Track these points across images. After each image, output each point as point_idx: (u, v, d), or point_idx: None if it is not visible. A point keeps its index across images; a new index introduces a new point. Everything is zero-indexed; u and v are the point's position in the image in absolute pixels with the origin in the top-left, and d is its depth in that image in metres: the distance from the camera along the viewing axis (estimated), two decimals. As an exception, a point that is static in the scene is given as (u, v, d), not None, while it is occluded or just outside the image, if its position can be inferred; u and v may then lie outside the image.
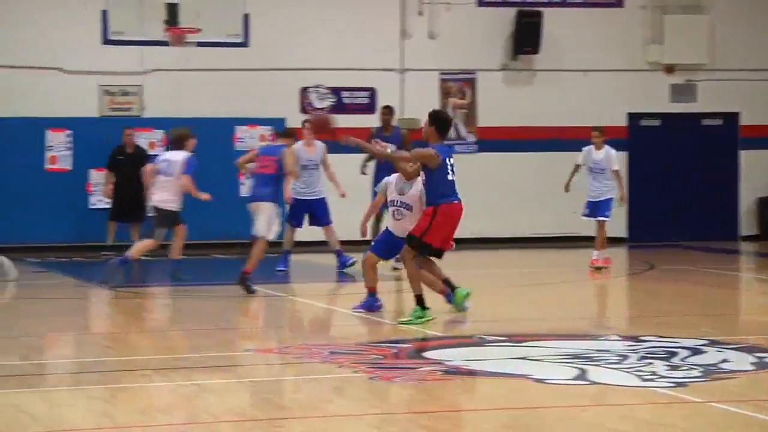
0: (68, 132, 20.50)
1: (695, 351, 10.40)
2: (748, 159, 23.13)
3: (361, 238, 13.87)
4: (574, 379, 9.27)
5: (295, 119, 19.94)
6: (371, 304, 12.95)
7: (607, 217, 17.58)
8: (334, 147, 17.41)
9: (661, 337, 11.16)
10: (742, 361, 9.98)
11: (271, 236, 14.78)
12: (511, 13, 22.12)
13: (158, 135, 20.83)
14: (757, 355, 10.21)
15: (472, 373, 9.72)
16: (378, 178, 17.40)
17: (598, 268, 17.41)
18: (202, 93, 20.99)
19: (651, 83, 22.80)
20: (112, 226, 19.93)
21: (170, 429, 7.93)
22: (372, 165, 18.02)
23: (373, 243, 13.30)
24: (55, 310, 14.10)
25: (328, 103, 21.60)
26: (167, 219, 15.80)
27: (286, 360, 10.43)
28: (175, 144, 16.16)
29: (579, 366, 9.73)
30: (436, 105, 22.09)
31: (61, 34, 20.44)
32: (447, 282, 12.82)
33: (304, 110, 20.96)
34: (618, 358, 10.13)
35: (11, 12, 20.32)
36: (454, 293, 12.79)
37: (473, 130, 22.32)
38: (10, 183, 20.20)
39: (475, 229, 21.92)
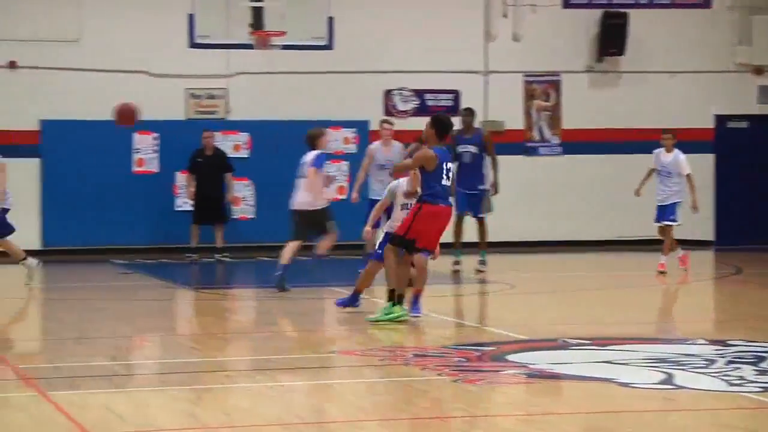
0: (155, 135, 20.73)
1: (783, 356, 10.26)
2: (838, 161, 22.76)
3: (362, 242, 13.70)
4: (659, 384, 9.18)
5: (378, 122, 19.96)
6: (353, 301, 13.13)
7: (672, 221, 17.32)
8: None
9: (748, 341, 11.02)
10: (832, 367, 9.83)
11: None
12: (596, 14, 21.98)
13: (243, 138, 20.99)
14: None
15: (555, 376, 9.67)
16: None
17: (662, 273, 17.18)
18: (287, 96, 21.11)
19: (738, 85, 22.51)
20: (195, 229, 20.10)
21: (255, 430, 7.98)
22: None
23: (378, 251, 13.14)
24: (142, 312, 14.26)
25: (411, 105, 21.61)
26: (312, 219, 15.37)
27: (369, 362, 10.44)
28: (308, 144, 15.94)
29: (665, 370, 9.63)
30: (520, 107, 22.05)
31: (148, 38, 20.68)
32: (401, 297, 12.52)
33: (387, 113, 20.99)
34: (705, 362, 10.02)
35: (100, 16, 20.58)
36: (393, 308, 12.51)
37: (557, 133, 22.21)
38: (99, 185, 20.46)
39: (559, 232, 21.84)
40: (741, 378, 9.34)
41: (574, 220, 21.76)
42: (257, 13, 19.28)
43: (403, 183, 12.91)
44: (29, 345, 12.06)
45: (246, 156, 20.94)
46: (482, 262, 17.70)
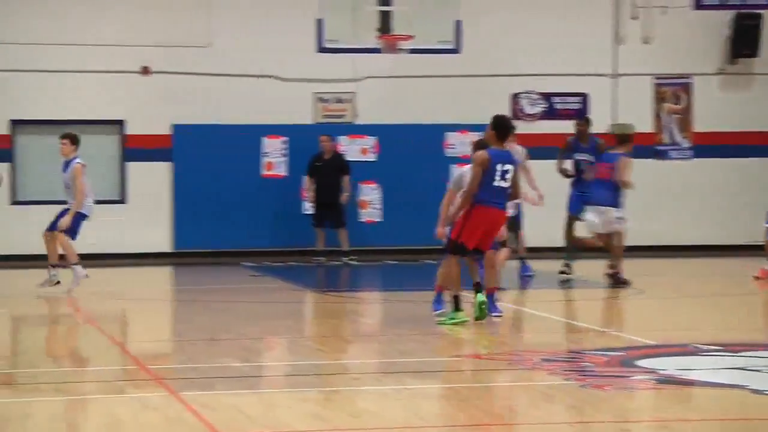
0: (284, 139, 20.95)
1: None
2: None
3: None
4: (793, 392, 9.00)
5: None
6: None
7: None
8: (535, 152, 17.34)
9: None
10: None
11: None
12: (728, 15, 21.63)
13: (370, 141, 21.09)
14: None
15: (685, 382, 9.53)
16: (575, 191, 17.27)
17: (757, 278, 16.76)
18: (414, 99, 21.16)
19: None
20: (320, 232, 20.23)
21: (381, 432, 8.01)
22: (569, 163, 17.67)
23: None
24: (271, 314, 14.42)
25: (539, 108, 21.50)
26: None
27: (495, 366, 10.41)
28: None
29: (799, 378, 9.44)
30: (649, 110, 21.79)
31: (277, 43, 20.90)
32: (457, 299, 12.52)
33: (515, 116, 20.90)
34: (840, 370, 9.80)
35: (230, 22, 20.87)
36: (455, 312, 12.50)
37: (688, 136, 21.90)
38: (228, 189, 20.74)
39: (691, 236, 21.52)
40: None
41: (705, 224, 21.43)
42: (385, 18, 19.38)
43: (467, 173, 12.75)
44: (161, 346, 12.27)
45: (373, 160, 21.04)
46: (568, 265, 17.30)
